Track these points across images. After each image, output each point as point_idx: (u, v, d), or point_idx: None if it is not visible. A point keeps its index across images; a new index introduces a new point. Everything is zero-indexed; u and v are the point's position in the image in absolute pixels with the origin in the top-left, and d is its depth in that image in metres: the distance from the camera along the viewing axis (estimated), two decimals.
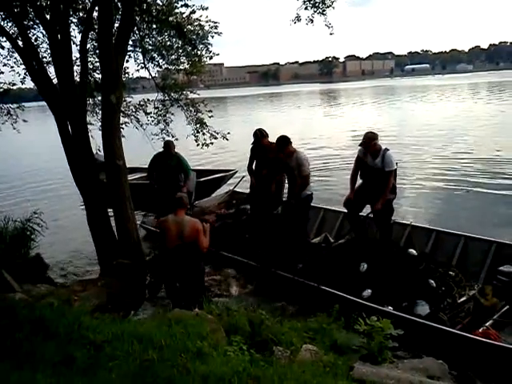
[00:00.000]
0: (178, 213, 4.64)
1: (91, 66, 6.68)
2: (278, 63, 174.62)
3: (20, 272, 5.36)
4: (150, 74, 7.34)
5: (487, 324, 4.05)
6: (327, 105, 44.05)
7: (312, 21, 5.86)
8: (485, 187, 9.83)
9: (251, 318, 3.59)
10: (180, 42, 7.01)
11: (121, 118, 6.09)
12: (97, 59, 6.57)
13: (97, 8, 5.66)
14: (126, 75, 7.07)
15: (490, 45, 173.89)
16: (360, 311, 3.91)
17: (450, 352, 3.73)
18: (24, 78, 6.35)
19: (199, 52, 7.08)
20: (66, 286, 5.43)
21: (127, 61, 6.55)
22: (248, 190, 7.15)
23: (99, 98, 6.47)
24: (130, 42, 6.48)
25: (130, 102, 7.41)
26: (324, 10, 5.79)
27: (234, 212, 7.21)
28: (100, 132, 5.74)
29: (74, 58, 5.97)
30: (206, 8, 6.58)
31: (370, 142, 5.32)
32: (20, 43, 5.79)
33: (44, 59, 6.16)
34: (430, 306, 4.40)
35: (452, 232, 5.74)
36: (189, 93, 7.55)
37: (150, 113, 7.53)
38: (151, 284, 5.52)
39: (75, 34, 6.40)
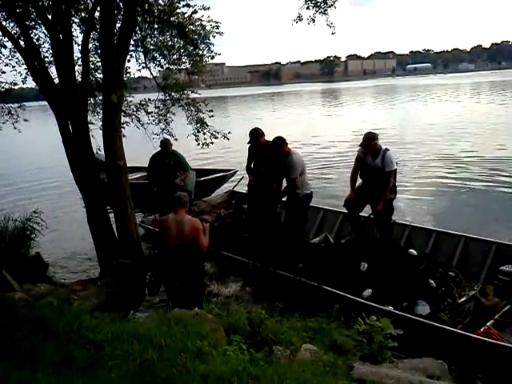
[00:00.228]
0: (178, 212, 4.62)
1: (92, 66, 6.72)
2: (279, 63, 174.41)
3: (20, 271, 5.37)
4: (151, 73, 7.38)
5: (488, 324, 4.04)
6: (329, 104, 44.01)
7: (314, 20, 5.88)
8: (487, 187, 9.80)
9: (251, 318, 3.60)
10: (181, 42, 7.04)
11: (122, 118, 6.12)
12: (98, 59, 6.61)
13: (99, 8, 5.68)
14: (128, 75, 7.10)
15: (492, 44, 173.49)
16: (360, 311, 3.90)
17: (451, 352, 3.71)
18: (25, 77, 6.38)
19: (201, 52, 7.12)
20: (66, 286, 5.42)
21: (129, 60, 6.59)
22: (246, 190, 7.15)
23: (100, 97, 6.51)
24: (132, 42, 6.52)
25: (131, 101, 7.45)
26: (325, 10, 5.80)
27: (233, 212, 7.21)
28: (101, 131, 5.76)
29: (75, 58, 5.98)
30: (208, 8, 6.62)
31: (369, 142, 5.33)
32: (22, 43, 5.80)
33: (46, 59, 6.17)
34: (431, 306, 4.39)
35: (452, 233, 5.73)
36: (190, 92, 7.58)
37: (151, 112, 7.56)
38: (151, 283, 5.51)
39: (77, 33, 6.47)
